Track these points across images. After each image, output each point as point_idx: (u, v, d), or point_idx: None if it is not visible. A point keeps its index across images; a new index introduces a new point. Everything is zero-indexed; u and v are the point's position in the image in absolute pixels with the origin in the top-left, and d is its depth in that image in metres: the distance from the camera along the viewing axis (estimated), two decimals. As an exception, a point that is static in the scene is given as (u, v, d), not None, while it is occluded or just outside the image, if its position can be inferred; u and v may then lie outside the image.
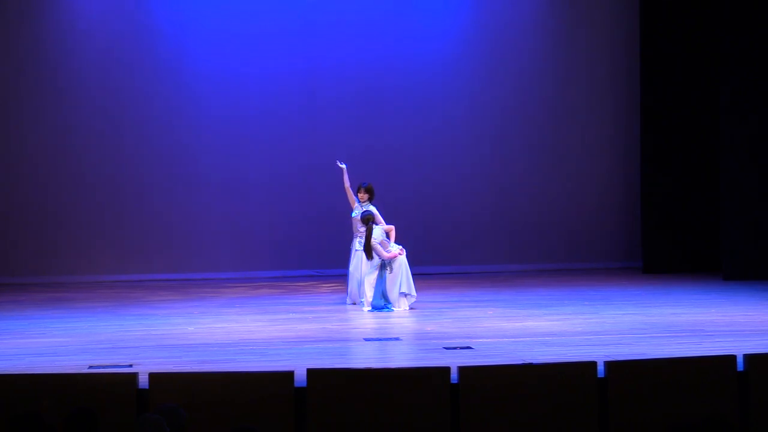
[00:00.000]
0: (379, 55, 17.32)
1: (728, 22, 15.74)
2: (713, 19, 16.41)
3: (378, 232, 13.15)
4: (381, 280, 13.10)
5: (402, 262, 13.13)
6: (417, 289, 13.35)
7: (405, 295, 13.13)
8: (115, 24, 16.93)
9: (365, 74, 17.31)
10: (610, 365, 8.25)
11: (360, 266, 13.29)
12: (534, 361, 8.88)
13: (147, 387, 7.87)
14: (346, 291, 13.69)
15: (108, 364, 9.34)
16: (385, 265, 13.05)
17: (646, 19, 16.87)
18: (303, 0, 17.24)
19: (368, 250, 13.03)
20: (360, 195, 13.57)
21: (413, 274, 13.33)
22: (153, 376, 7.90)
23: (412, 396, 7.95)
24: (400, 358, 10.31)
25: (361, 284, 13.26)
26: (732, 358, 8.41)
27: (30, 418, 6.06)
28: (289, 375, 7.96)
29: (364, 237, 13.22)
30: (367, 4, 17.39)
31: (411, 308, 13.09)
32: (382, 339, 11.16)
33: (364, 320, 12.50)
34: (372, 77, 17.33)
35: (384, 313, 12.94)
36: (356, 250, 13.44)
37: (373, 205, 13.52)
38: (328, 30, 17.24)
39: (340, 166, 13.65)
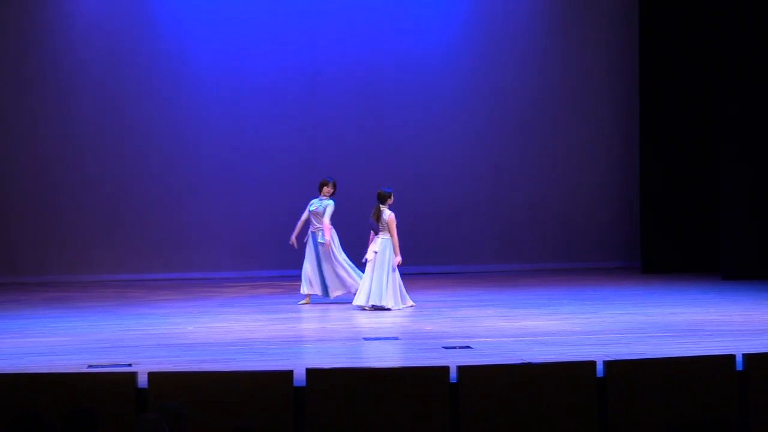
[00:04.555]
0: (379, 53, 17.33)
1: (728, 21, 15.74)
2: (713, 18, 16.40)
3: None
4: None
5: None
6: (415, 289, 13.38)
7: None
8: (114, 24, 16.94)
9: (365, 73, 17.32)
10: (609, 365, 8.25)
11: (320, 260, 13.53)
12: (533, 361, 8.89)
13: (146, 386, 7.87)
14: (313, 285, 13.71)
15: (107, 363, 9.34)
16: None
17: (646, 17, 16.88)
18: (302, -2, 17.30)
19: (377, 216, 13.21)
20: (326, 189, 13.69)
21: (413, 273, 13.37)
22: (152, 376, 7.90)
23: (411, 395, 7.95)
24: (399, 357, 10.31)
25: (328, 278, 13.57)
26: (731, 358, 8.41)
27: (29, 418, 6.07)
28: (288, 374, 7.96)
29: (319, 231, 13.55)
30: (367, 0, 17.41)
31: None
32: (382, 338, 11.16)
33: (364, 320, 12.50)
34: (371, 77, 17.34)
35: (383, 313, 12.95)
36: (321, 243, 13.58)
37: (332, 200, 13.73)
38: (327, 27, 17.24)
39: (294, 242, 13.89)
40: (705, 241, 16.81)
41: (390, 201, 13.28)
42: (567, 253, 17.71)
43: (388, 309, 13.02)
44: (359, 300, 13.16)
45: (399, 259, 13.17)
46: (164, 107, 17.07)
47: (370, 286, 13.10)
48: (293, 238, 13.85)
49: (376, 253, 13.15)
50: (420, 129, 17.49)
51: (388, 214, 13.20)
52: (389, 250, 13.16)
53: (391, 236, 13.20)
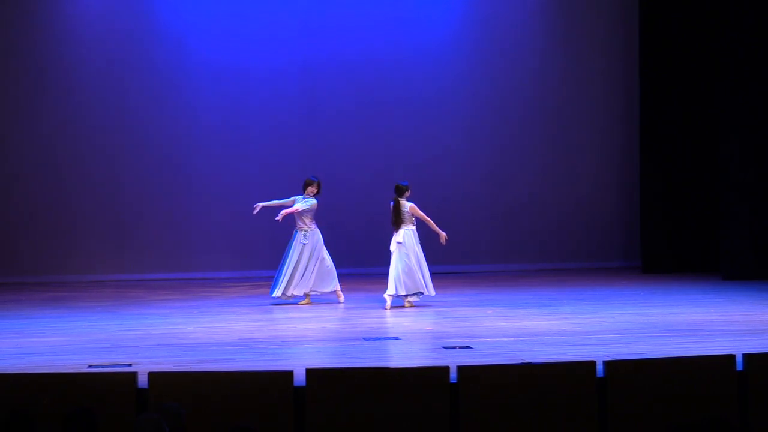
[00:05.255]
0: (377, 51, 17.35)
1: (728, 21, 15.74)
2: (713, 18, 16.40)
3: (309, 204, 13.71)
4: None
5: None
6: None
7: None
8: (114, 23, 16.94)
9: (365, 71, 17.33)
10: (609, 365, 8.25)
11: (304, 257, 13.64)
12: (533, 361, 8.89)
13: (146, 386, 7.87)
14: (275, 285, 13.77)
15: (107, 363, 9.35)
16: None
17: (646, 17, 16.87)
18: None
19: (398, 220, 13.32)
20: (311, 189, 13.76)
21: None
22: (152, 376, 7.90)
23: (411, 395, 7.95)
24: (399, 357, 10.30)
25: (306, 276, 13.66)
26: (731, 358, 8.41)
27: (19, 417, 6.06)
28: (288, 374, 7.96)
29: (308, 231, 13.62)
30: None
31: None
32: (382, 338, 11.16)
33: (364, 320, 12.50)
34: (371, 75, 17.35)
35: (383, 313, 12.97)
36: (303, 243, 13.66)
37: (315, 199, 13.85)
38: (326, 24, 17.26)
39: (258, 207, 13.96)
40: (705, 241, 16.81)
41: (407, 194, 13.40)
42: (567, 253, 17.71)
43: (413, 301, 13.32)
44: (390, 290, 13.26)
45: (445, 234, 13.45)
46: (164, 107, 17.07)
47: (398, 275, 13.18)
48: (260, 204, 13.88)
49: (399, 243, 13.23)
50: (419, 128, 17.50)
51: (409, 206, 13.32)
52: (415, 241, 13.28)
53: (424, 220, 13.40)
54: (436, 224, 13.50)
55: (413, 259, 13.25)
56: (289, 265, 13.70)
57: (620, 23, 17.73)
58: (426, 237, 13.75)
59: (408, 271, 13.22)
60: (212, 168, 17.16)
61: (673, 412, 8.04)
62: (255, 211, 14.01)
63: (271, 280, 14.02)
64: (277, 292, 13.69)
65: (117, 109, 16.98)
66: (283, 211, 13.76)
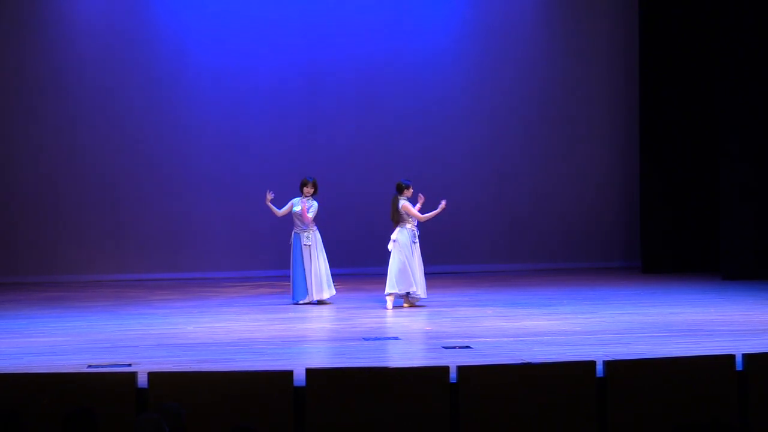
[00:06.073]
0: (378, 53, 17.35)
1: (728, 21, 15.75)
2: (713, 18, 16.40)
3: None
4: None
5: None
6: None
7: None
8: (114, 23, 16.94)
9: (365, 73, 17.33)
10: (609, 365, 8.25)
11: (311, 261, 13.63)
12: (533, 361, 8.89)
13: (146, 386, 7.87)
14: (304, 290, 13.73)
15: (107, 363, 9.35)
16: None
17: (646, 17, 16.87)
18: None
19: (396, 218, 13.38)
20: (306, 189, 13.77)
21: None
22: (152, 376, 7.90)
23: (411, 395, 7.95)
24: (399, 357, 10.30)
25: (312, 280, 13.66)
26: (731, 358, 8.41)
27: (11, 417, 6.06)
28: (287, 374, 7.97)
29: (308, 232, 13.65)
30: (367, -1, 17.45)
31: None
32: (382, 338, 11.16)
33: (364, 320, 12.50)
34: (371, 77, 17.35)
35: (383, 313, 12.97)
36: (307, 245, 13.68)
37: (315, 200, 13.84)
38: (327, 27, 17.26)
39: (270, 196, 13.89)
40: (705, 241, 16.81)
41: (407, 193, 13.42)
42: (567, 253, 17.71)
43: (412, 299, 13.33)
44: (387, 289, 13.28)
45: (443, 202, 13.46)
46: (164, 107, 17.07)
47: (396, 272, 13.21)
48: (271, 198, 13.85)
49: (394, 241, 13.26)
50: (420, 129, 17.50)
51: (401, 204, 13.31)
52: (410, 239, 13.33)
53: (419, 218, 13.38)
54: (430, 213, 13.46)
55: (411, 258, 13.24)
56: (306, 270, 13.68)
57: (620, 23, 17.73)
58: (432, 238, 13.73)
59: (402, 269, 13.23)
60: (212, 168, 17.15)
61: (672, 412, 8.05)
62: (267, 198, 13.87)
63: (271, 281, 14.03)
64: (309, 299, 13.67)
65: (116, 110, 16.98)
66: (309, 216, 13.65)
